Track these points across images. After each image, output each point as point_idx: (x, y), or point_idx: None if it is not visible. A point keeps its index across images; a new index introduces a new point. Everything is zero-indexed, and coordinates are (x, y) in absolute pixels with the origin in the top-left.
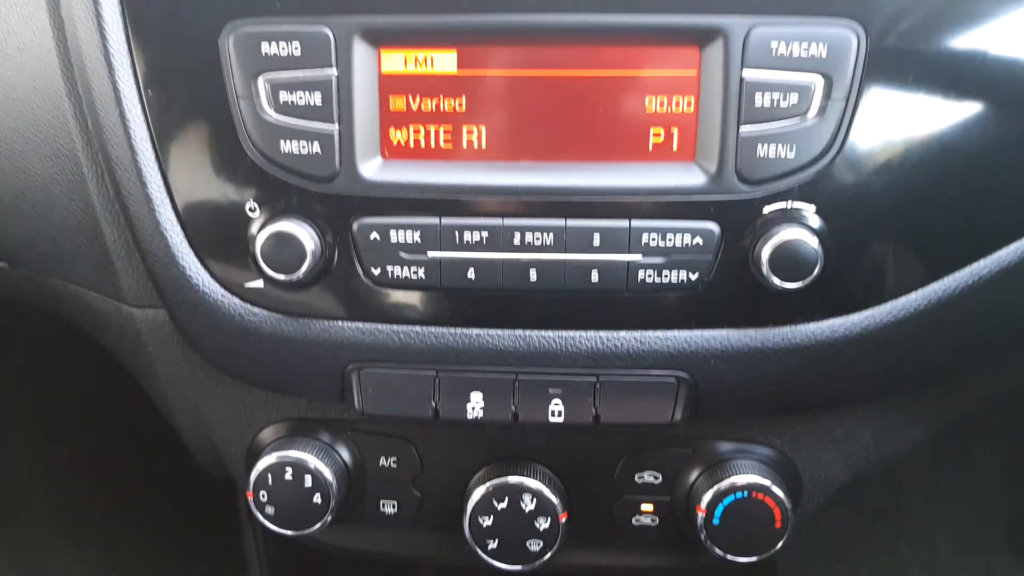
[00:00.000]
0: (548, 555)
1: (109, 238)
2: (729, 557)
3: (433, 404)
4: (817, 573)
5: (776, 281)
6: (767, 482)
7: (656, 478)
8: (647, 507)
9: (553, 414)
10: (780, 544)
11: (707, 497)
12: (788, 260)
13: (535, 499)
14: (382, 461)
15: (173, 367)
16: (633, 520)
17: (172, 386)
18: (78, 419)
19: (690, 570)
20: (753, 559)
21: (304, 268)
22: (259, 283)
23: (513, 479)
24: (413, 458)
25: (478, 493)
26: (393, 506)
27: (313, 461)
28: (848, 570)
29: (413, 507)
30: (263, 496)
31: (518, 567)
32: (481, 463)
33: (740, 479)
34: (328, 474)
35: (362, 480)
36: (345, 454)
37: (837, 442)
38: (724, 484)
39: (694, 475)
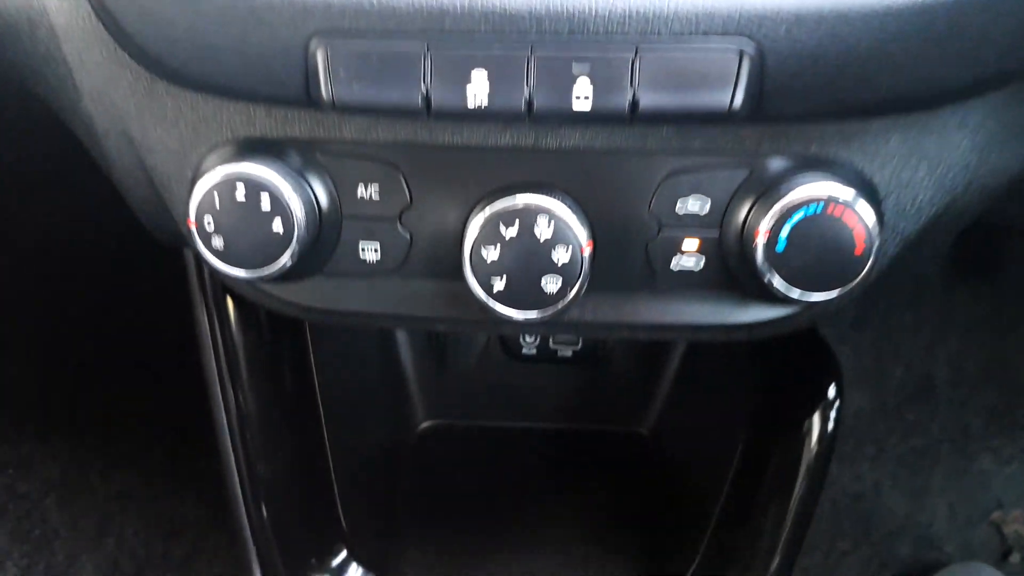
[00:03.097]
0: (568, 298)
1: None
2: (795, 294)
3: (423, 88)
4: (847, 455)
5: None
6: (848, 192)
7: (703, 206)
8: (690, 245)
9: (578, 99)
10: (859, 278)
11: (770, 216)
12: None
13: (553, 223)
14: (361, 191)
15: (97, 75)
16: (672, 264)
17: (98, 104)
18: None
19: (735, 328)
20: (824, 296)
21: None
22: None
23: (525, 198)
24: (399, 187)
25: (482, 217)
26: (375, 251)
27: (272, 177)
28: (877, 453)
29: (401, 251)
30: (208, 223)
31: (532, 314)
32: (484, 191)
33: (812, 189)
34: (291, 196)
35: (336, 218)
36: (315, 183)
37: (928, 158)
38: (793, 197)
39: (751, 200)
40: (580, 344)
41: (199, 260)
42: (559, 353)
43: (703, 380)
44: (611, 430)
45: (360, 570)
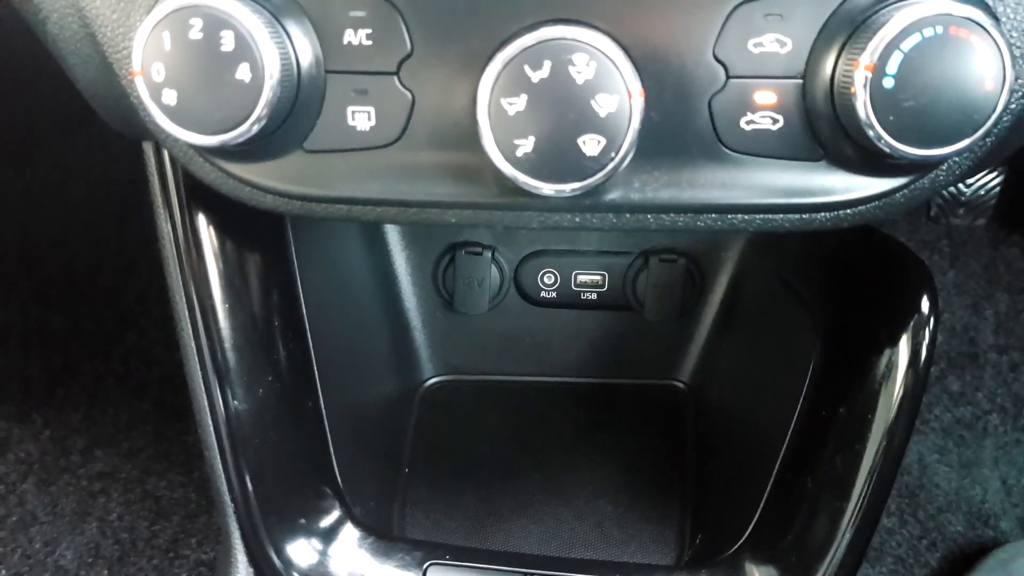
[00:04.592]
0: (611, 164)
1: None
2: (907, 150)
3: None
4: None
5: None
6: (973, 10)
7: (782, 46)
8: (766, 98)
9: None
10: (988, 123)
11: (876, 43)
12: None
13: (594, 63)
14: (349, 36)
15: None
16: (742, 123)
17: None
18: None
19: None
20: (944, 151)
21: None
22: None
23: (557, 30)
24: (397, 31)
25: (503, 59)
26: (368, 116)
27: (235, 10)
28: (920, 424)
29: (400, 114)
30: (157, 72)
31: (565, 186)
32: (505, 32)
33: (927, 7)
34: (260, 35)
35: (318, 72)
36: (291, 26)
37: None
38: (903, 17)
39: (845, 33)
40: (607, 287)
41: (160, 156)
42: (583, 297)
43: (753, 320)
44: (643, 383)
45: (357, 532)
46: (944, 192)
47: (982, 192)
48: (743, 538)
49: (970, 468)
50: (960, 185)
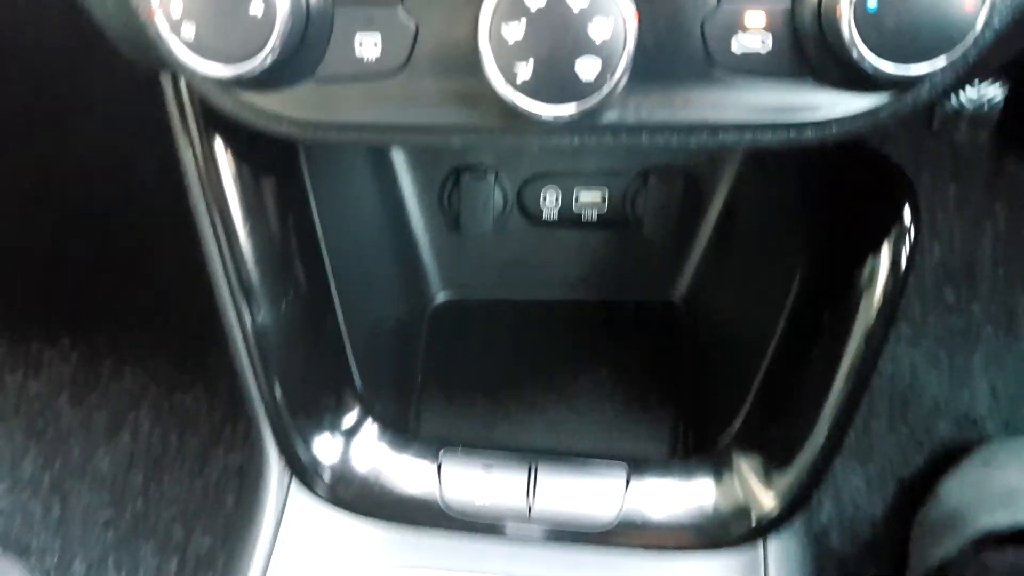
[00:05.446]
0: (608, 86)
1: None
2: (889, 67)
3: None
4: None
5: None
6: None
7: None
8: (755, 20)
9: None
10: (967, 40)
11: None
12: None
13: None
14: None
15: None
16: (733, 42)
17: None
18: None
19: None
20: (925, 69)
21: None
22: None
23: None
24: None
25: None
26: (375, 44)
27: None
28: (913, 334)
29: (404, 43)
30: (175, 10)
31: (563, 108)
32: None
33: None
34: None
35: (326, 5)
36: None
37: None
38: None
39: None
40: (607, 207)
41: (178, 87)
42: (583, 217)
43: (745, 236)
44: (641, 300)
45: (376, 429)
46: (946, 106)
47: (984, 107)
48: (732, 433)
49: (960, 375)
50: (962, 100)
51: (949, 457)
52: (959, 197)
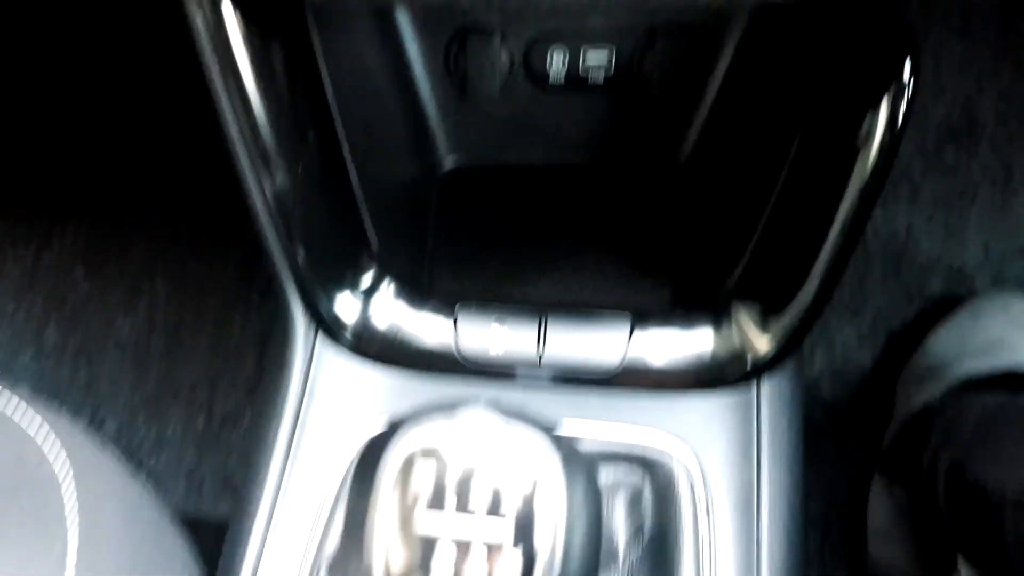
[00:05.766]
0: None
1: None
2: None
3: None
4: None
5: None
6: None
7: None
8: None
9: None
10: None
11: None
12: None
13: None
14: None
15: None
16: None
17: None
18: None
19: None
20: None
21: None
22: None
23: None
24: None
25: None
26: None
27: None
28: (912, 195)
29: None
30: None
31: None
32: None
33: None
34: None
35: None
36: None
37: None
38: None
39: None
40: (613, 68)
41: None
42: (590, 79)
43: (751, 95)
44: (646, 162)
45: (393, 287)
46: None
47: None
48: (731, 285)
49: (955, 233)
50: None
51: (939, 311)
52: (965, 57)
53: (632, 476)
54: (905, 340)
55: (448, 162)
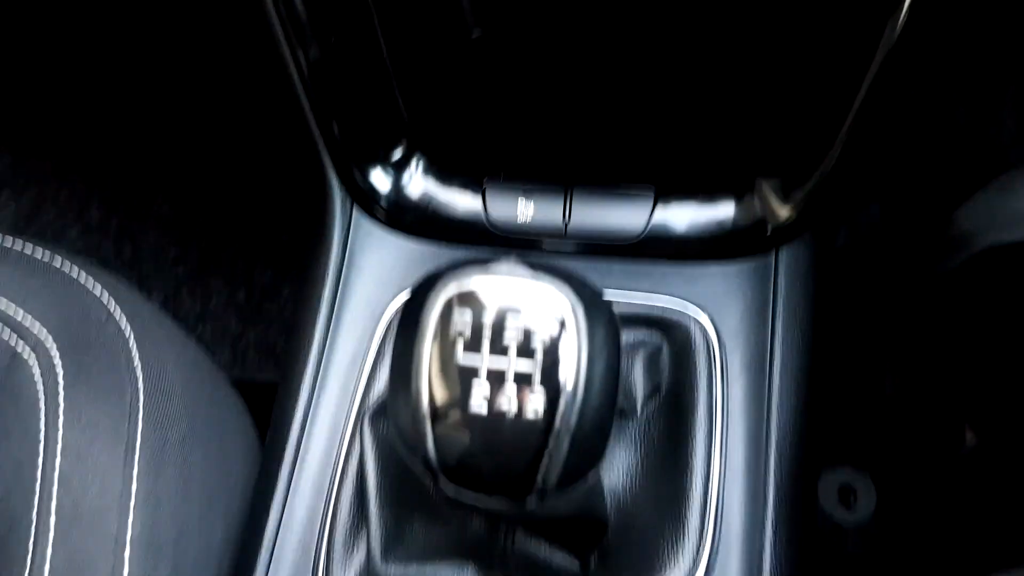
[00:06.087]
0: None
1: None
2: None
3: None
4: None
5: None
6: None
7: None
8: None
9: None
10: None
11: None
12: None
13: None
14: None
15: None
16: None
17: None
18: None
19: None
20: None
21: None
22: None
23: None
24: None
25: None
26: None
27: None
28: (945, 74)
29: None
30: None
31: None
32: None
33: None
34: None
35: None
36: None
37: None
38: None
39: None
40: None
41: None
42: None
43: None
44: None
45: (424, 161)
46: None
47: None
48: (755, 160)
49: (990, 110)
50: None
51: (968, 187)
52: None
53: (652, 337)
54: (931, 217)
55: (476, 33)
